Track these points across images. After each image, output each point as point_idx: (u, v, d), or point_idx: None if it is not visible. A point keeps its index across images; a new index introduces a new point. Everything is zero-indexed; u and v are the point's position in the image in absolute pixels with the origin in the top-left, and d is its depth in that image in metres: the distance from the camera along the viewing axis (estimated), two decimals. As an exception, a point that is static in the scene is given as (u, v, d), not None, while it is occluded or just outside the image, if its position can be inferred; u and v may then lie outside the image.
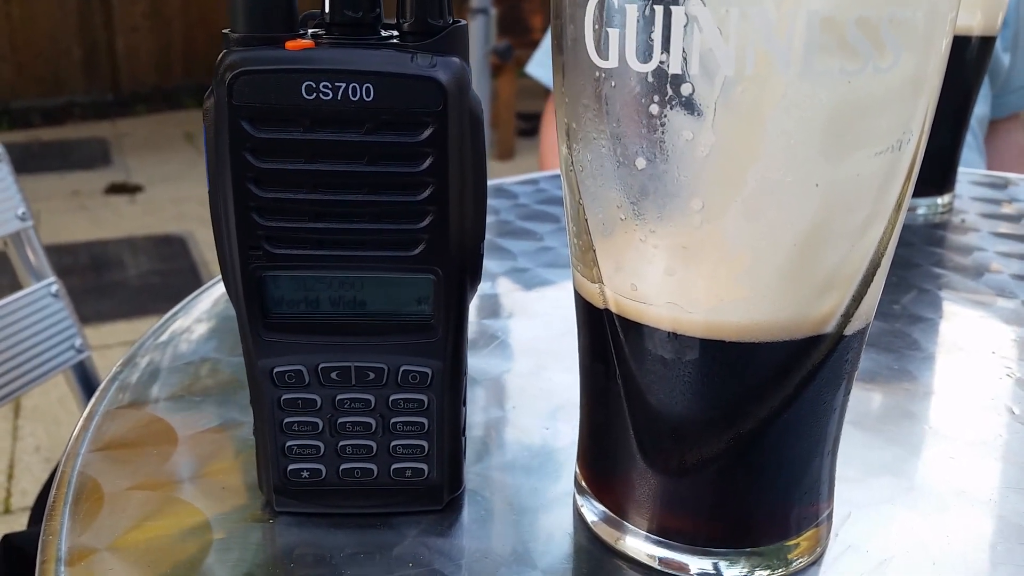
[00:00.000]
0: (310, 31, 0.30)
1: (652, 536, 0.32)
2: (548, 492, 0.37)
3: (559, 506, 0.36)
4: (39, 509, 0.82)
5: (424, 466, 0.34)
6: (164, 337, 0.51)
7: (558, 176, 0.38)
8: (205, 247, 2.95)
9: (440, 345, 0.32)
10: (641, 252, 0.28)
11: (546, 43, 1.44)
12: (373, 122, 0.29)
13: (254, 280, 0.31)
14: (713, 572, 0.32)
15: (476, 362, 0.47)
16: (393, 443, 0.34)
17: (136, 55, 5.02)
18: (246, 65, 0.28)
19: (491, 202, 0.74)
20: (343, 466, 0.34)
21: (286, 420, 0.33)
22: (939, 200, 0.76)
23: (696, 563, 0.32)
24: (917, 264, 0.63)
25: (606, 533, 0.34)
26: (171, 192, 3.56)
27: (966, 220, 0.74)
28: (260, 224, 0.30)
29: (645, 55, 0.25)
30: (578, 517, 0.35)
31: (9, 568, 0.68)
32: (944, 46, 0.26)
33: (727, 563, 0.32)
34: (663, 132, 0.26)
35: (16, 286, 0.83)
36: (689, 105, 0.25)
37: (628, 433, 0.32)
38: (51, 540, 0.33)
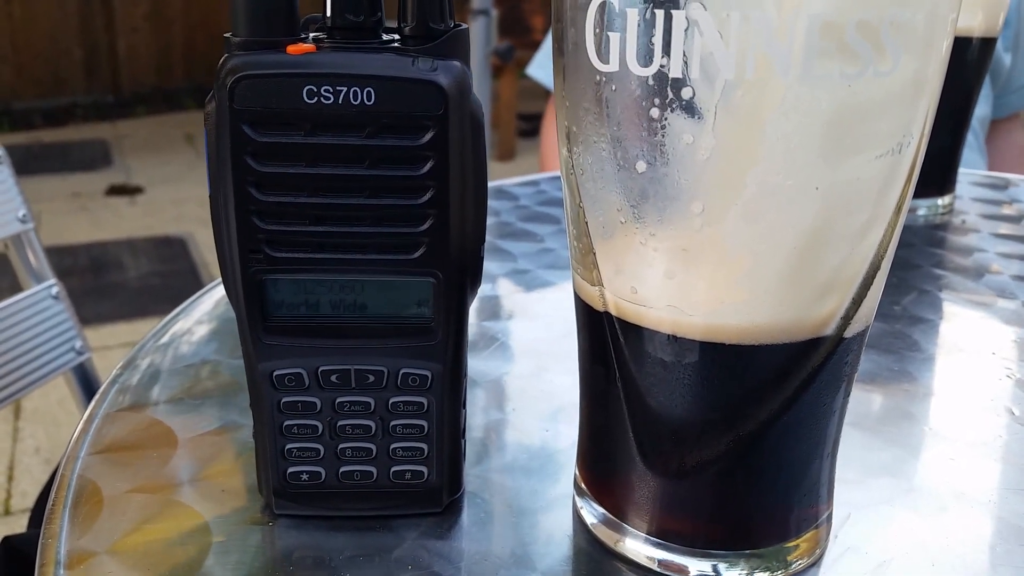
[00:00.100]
0: (311, 35, 0.30)
1: (652, 538, 0.32)
2: (548, 494, 0.37)
3: (559, 508, 0.36)
4: (39, 511, 0.82)
5: (424, 469, 0.34)
6: (164, 339, 0.51)
7: (558, 178, 0.38)
8: (205, 248, 2.96)
9: (440, 348, 0.33)
10: (641, 255, 0.28)
11: (547, 45, 1.44)
12: (374, 126, 0.29)
13: (254, 283, 0.31)
14: (712, 574, 0.32)
15: (476, 364, 0.48)
16: (393, 446, 0.34)
17: (137, 56, 5.02)
18: (247, 69, 0.28)
19: (492, 203, 0.74)
20: (343, 469, 0.34)
21: (286, 423, 0.33)
22: (939, 201, 0.76)
23: (696, 565, 0.32)
24: (917, 265, 0.63)
25: (605, 535, 0.34)
26: (171, 193, 3.56)
27: (966, 221, 0.74)
28: (261, 228, 0.30)
29: (646, 59, 0.25)
30: (578, 519, 0.35)
31: (9, 570, 0.68)
32: (945, 48, 0.26)
33: (727, 565, 0.32)
34: (663, 135, 0.26)
35: (16, 288, 0.83)
36: (689, 109, 0.25)
37: (628, 435, 0.32)
38: (50, 543, 0.33)
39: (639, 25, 0.25)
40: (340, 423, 0.33)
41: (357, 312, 0.32)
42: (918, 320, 0.54)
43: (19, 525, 1.63)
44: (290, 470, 0.34)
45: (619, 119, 0.27)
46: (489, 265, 0.62)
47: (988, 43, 0.72)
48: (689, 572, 0.32)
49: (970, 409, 0.44)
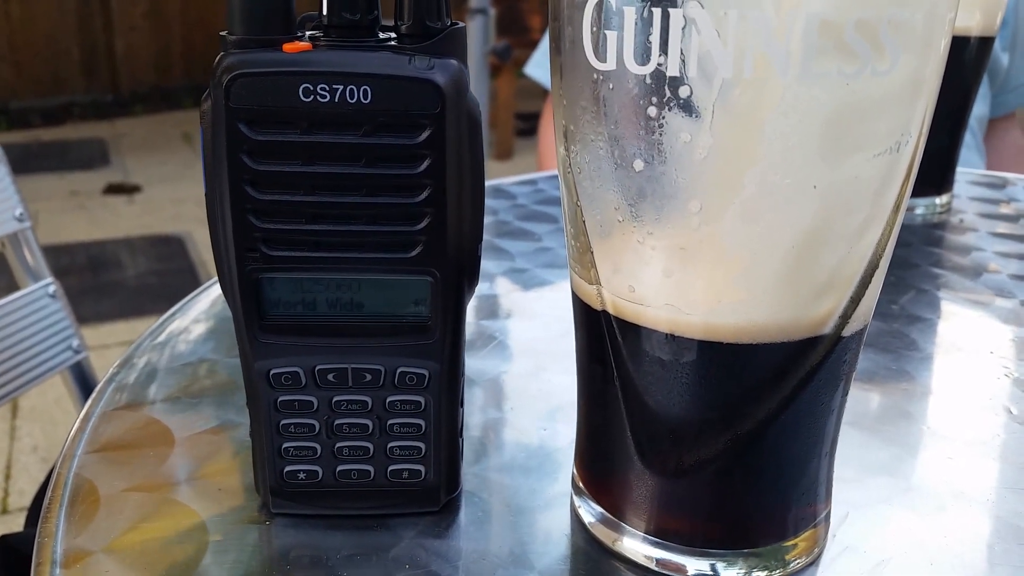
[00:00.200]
0: (308, 33, 0.30)
1: (649, 537, 0.32)
2: (545, 493, 0.37)
3: (556, 507, 0.36)
4: (36, 510, 0.82)
5: (421, 467, 0.34)
6: (161, 338, 0.51)
7: (556, 176, 0.38)
8: (203, 247, 2.95)
9: (437, 347, 0.32)
10: (639, 254, 0.28)
11: (545, 44, 1.44)
12: (371, 124, 0.29)
13: (251, 282, 0.31)
14: (711, 573, 0.32)
15: (474, 363, 0.47)
16: (390, 445, 0.34)
17: (135, 55, 5.02)
18: (243, 67, 0.28)
19: (489, 202, 0.74)
20: (340, 468, 0.34)
21: (283, 422, 0.33)
22: (937, 200, 0.76)
23: (693, 564, 0.32)
24: (915, 264, 0.63)
25: (603, 534, 0.34)
26: (169, 192, 3.56)
27: (964, 220, 0.74)
28: (257, 226, 0.30)
29: (643, 57, 0.25)
30: (575, 518, 0.35)
31: (6, 569, 0.68)
32: (943, 47, 0.26)
33: (724, 564, 0.32)
34: (661, 134, 0.26)
35: (14, 287, 0.83)
36: (687, 107, 0.25)
37: (626, 434, 0.32)
38: (47, 542, 0.33)
39: (636, 23, 0.25)
40: (337, 422, 0.33)
41: (354, 311, 0.32)
42: (916, 319, 0.54)
43: (16, 524, 1.63)
44: (287, 469, 0.34)
45: (617, 118, 0.27)
46: (487, 264, 0.61)
47: (986, 42, 0.72)
48: (687, 571, 0.32)
49: (968, 408, 0.44)
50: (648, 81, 0.25)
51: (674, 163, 0.26)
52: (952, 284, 0.61)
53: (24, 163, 3.71)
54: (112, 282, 2.74)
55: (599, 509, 0.34)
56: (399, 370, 0.32)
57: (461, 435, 0.35)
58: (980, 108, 1.22)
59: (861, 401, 0.45)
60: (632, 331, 0.29)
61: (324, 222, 0.30)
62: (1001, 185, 0.84)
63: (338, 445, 0.33)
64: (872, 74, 0.24)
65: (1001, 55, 1.21)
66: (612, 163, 0.28)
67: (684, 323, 0.28)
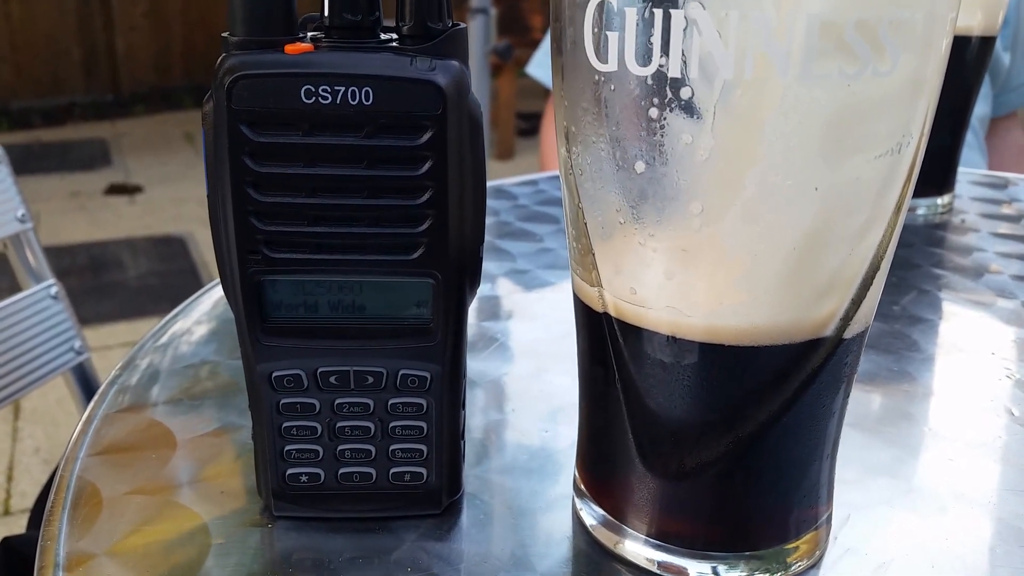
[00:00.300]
0: (309, 35, 0.30)
1: (651, 540, 0.32)
2: (547, 495, 0.37)
3: (558, 509, 0.36)
4: (38, 511, 0.82)
5: (423, 470, 0.34)
6: (164, 339, 0.51)
7: (557, 177, 0.38)
8: (205, 248, 2.95)
9: (439, 349, 0.32)
10: (640, 256, 0.28)
11: (546, 44, 1.44)
12: (372, 126, 0.29)
13: (253, 284, 0.31)
14: (713, 576, 0.32)
15: (475, 364, 0.47)
16: (392, 447, 0.34)
17: (136, 55, 5.02)
18: (245, 69, 0.28)
19: (490, 203, 0.74)
20: (342, 470, 0.34)
21: (285, 424, 0.33)
22: (939, 200, 0.76)
23: (695, 567, 0.32)
24: (917, 265, 0.63)
25: (605, 537, 0.34)
26: (170, 193, 3.56)
27: (966, 220, 0.74)
28: (259, 228, 0.30)
29: (644, 58, 0.25)
30: (577, 521, 0.35)
31: (9, 571, 0.68)
32: (944, 48, 0.26)
33: (726, 567, 0.31)
34: (662, 135, 0.26)
35: (15, 288, 0.83)
36: (688, 109, 0.25)
37: (627, 437, 0.32)
38: (49, 545, 0.33)
39: (638, 24, 0.25)
40: (339, 424, 0.33)
41: (356, 313, 0.32)
42: (917, 320, 0.54)
43: (18, 525, 1.63)
44: (289, 472, 0.34)
45: (618, 119, 0.27)
46: (488, 265, 0.61)
47: (987, 42, 0.72)
48: (688, 574, 0.32)
49: (969, 409, 0.44)
50: (649, 82, 0.25)
51: (675, 164, 0.26)
52: (953, 285, 0.60)
53: (25, 164, 3.71)
54: (114, 283, 2.74)
55: (601, 511, 0.34)
56: (401, 372, 0.32)
57: (463, 437, 0.35)
58: (982, 108, 1.22)
59: (862, 402, 0.45)
60: (633, 333, 0.29)
61: (326, 224, 0.30)
62: (1003, 185, 0.84)
63: (340, 448, 0.33)
64: (873, 75, 0.24)
65: (1002, 55, 1.20)
66: (613, 164, 0.28)
67: (685, 325, 0.28)
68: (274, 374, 0.32)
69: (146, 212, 3.38)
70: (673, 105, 0.25)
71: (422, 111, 0.29)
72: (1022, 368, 0.48)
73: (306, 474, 0.34)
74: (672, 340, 0.29)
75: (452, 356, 0.33)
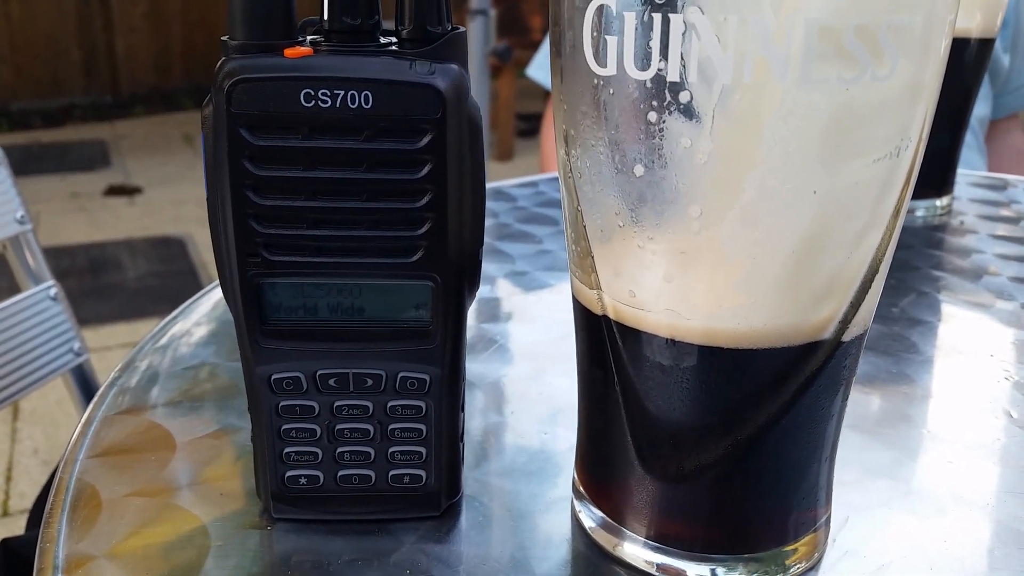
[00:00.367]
0: (309, 38, 0.30)
1: (650, 542, 0.32)
2: (546, 497, 0.37)
3: (557, 512, 0.36)
4: (37, 512, 0.82)
5: (422, 472, 0.34)
6: (163, 341, 0.51)
7: (557, 179, 0.38)
8: (204, 249, 2.95)
9: (438, 352, 0.32)
10: (639, 258, 0.28)
11: (546, 46, 1.44)
12: (371, 129, 0.29)
13: (252, 287, 0.31)
14: (712, 578, 0.32)
15: (474, 366, 0.47)
16: (391, 449, 0.34)
17: (135, 56, 5.02)
18: (245, 73, 0.28)
19: (490, 205, 0.74)
20: (341, 472, 0.34)
21: (284, 427, 0.33)
22: (938, 202, 0.76)
23: (694, 569, 0.32)
24: (916, 267, 0.63)
25: (604, 539, 0.34)
26: (170, 194, 3.56)
27: (965, 222, 0.74)
28: (258, 231, 0.30)
29: (643, 62, 0.25)
30: (576, 523, 0.35)
31: (8, 572, 0.68)
32: (943, 51, 0.26)
33: (725, 569, 0.32)
34: (661, 139, 0.26)
35: (15, 289, 0.83)
36: (687, 112, 0.25)
37: (626, 439, 0.32)
38: (49, 547, 0.33)
39: (637, 28, 0.25)
40: (338, 427, 0.33)
41: (355, 316, 0.32)
42: (916, 322, 0.54)
43: (17, 526, 1.63)
44: (288, 474, 0.34)
45: (617, 122, 0.27)
46: (487, 267, 0.61)
47: (986, 44, 0.72)
48: (687, 576, 0.32)
49: (968, 411, 0.44)
50: (648, 86, 0.25)
51: (674, 168, 0.26)
52: (952, 287, 0.61)
53: (24, 165, 3.71)
54: (113, 284, 2.74)
55: (600, 514, 0.34)
56: (400, 375, 0.33)
57: (462, 439, 0.35)
58: (982, 108, 1.22)
59: (861, 404, 0.45)
60: (632, 336, 0.29)
61: (325, 227, 0.30)
62: (1002, 187, 0.84)
63: (339, 450, 0.33)
64: (872, 79, 0.25)
65: (1002, 56, 1.21)
66: (612, 168, 0.28)
67: (684, 328, 0.28)
68: (273, 376, 0.32)
69: (145, 213, 3.38)
70: (672, 109, 0.25)
71: (421, 115, 0.29)
72: (1021, 370, 0.48)
73: (305, 476, 0.34)
74: (671, 343, 0.29)
75: (451, 358, 0.33)
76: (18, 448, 1.91)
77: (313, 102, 0.28)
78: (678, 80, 0.25)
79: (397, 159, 0.29)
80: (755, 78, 0.24)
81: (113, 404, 0.43)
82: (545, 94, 1.33)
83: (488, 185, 0.31)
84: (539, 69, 1.42)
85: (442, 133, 0.29)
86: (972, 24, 0.70)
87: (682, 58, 0.25)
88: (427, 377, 0.33)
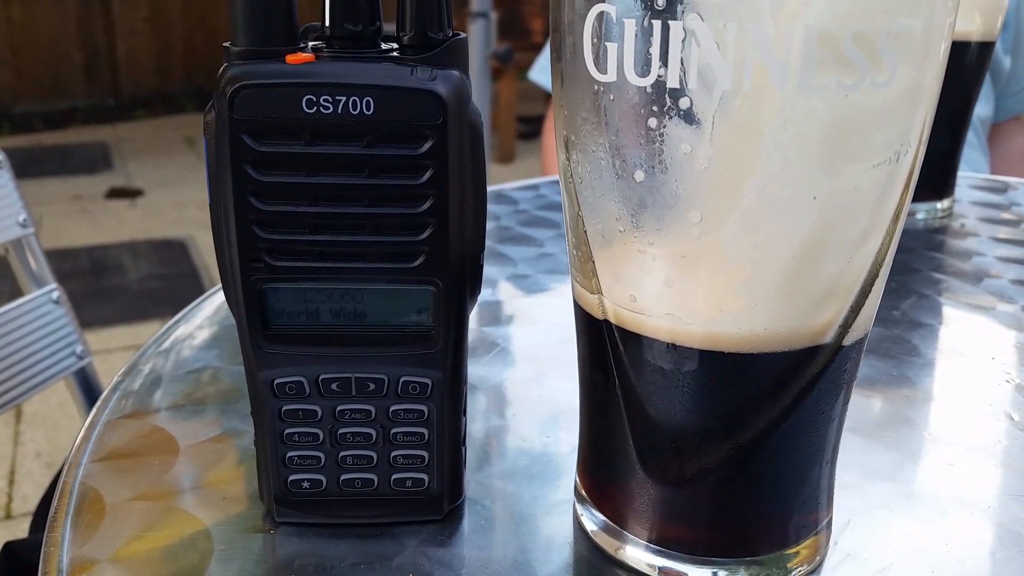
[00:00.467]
0: (310, 44, 0.30)
1: (652, 545, 0.32)
2: (548, 501, 0.37)
3: (559, 515, 0.36)
4: (40, 515, 0.82)
5: (424, 476, 0.34)
6: (166, 345, 0.51)
7: (558, 182, 0.38)
8: (206, 251, 2.96)
9: (440, 356, 0.33)
10: (640, 263, 0.28)
11: (547, 49, 1.45)
12: (373, 135, 0.29)
13: (255, 292, 0.31)
14: (713, 581, 0.32)
15: (476, 369, 0.48)
16: (393, 453, 0.34)
17: (136, 59, 5.03)
18: (247, 79, 0.28)
19: (491, 208, 0.74)
20: (343, 476, 0.34)
21: (287, 431, 0.33)
22: (939, 205, 0.76)
23: (696, 572, 0.32)
24: (916, 269, 0.64)
25: (606, 542, 0.34)
26: (171, 196, 3.56)
27: (966, 225, 0.74)
28: (261, 236, 0.30)
29: (643, 69, 0.25)
30: (578, 526, 0.35)
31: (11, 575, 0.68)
32: (942, 55, 0.26)
33: (726, 572, 0.32)
34: (661, 145, 0.26)
35: (17, 292, 0.83)
36: (687, 118, 0.25)
37: (627, 443, 0.32)
38: (52, 551, 0.33)
39: (637, 35, 0.25)
40: (341, 431, 0.33)
41: (357, 320, 0.32)
42: (917, 325, 0.54)
43: (20, 529, 1.64)
44: (291, 478, 0.34)
45: (617, 128, 0.27)
46: (489, 270, 0.62)
47: (986, 47, 0.72)
48: (689, 579, 0.32)
49: (969, 414, 0.44)
50: (648, 92, 0.26)
51: (674, 173, 0.26)
52: (953, 289, 0.61)
53: (26, 168, 3.72)
54: (115, 286, 2.74)
55: (601, 517, 0.34)
56: (402, 379, 0.33)
57: (464, 443, 0.35)
58: (983, 109, 1.22)
59: (862, 407, 0.45)
60: (633, 340, 0.30)
61: (327, 232, 0.30)
62: (1003, 190, 0.84)
63: (342, 454, 0.34)
64: (871, 85, 0.25)
65: (1003, 58, 1.21)
66: (613, 173, 0.28)
67: (685, 332, 0.28)
68: (276, 381, 0.33)
69: (147, 216, 3.38)
70: (672, 115, 0.25)
71: (423, 120, 0.29)
72: (1022, 373, 0.48)
73: (308, 480, 0.34)
74: (672, 347, 0.29)
75: (453, 362, 0.33)
76: (21, 451, 1.91)
77: (315, 108, 0.29)
78: (678, 86, 0.25)
79: (398, 165, 0.30)
80: (755, 84, 0.24)
81: (116, 408, 0.44)
82: (546, 97, 1.33)
83: (489, 188, 0.31)
84: (540, 72, 1.42)
85: (443, 139, 0.29)
86: (972, 27, 0.70)
87: (682, 64, 0.25)
88: (429, 381, 0.33)
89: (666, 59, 0.25)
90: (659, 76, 0.25)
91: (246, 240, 0.30)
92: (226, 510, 0.36)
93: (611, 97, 0.27)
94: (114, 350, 2.27)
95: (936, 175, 0.75)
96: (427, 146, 0.29)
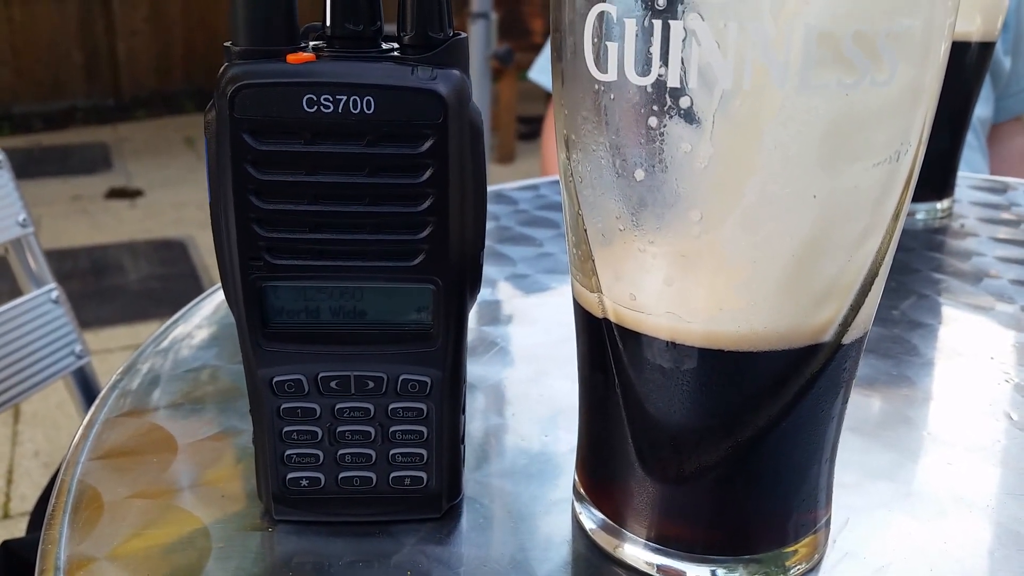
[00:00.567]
0: (311, 44, 0.30)
1: (650, 544, 0.32)
2: (547, 499, 0.37)
3: (558, 513, 0.36)
4: (38, 515, 0.82)
5: (423, 474, 0.34)
6: (165, 344, 0.51)
7: (558, 182, 0.38)
8: (205, 251, 2.96)
9: (439, 354, 0.33)
10: (640, 262, 0.28)
11: (548, 49, 1.45)
12: (374, 134, 0.29)
13: (254, 290, 0.31)
14: (712, 580, 0.32)
15: (476, 368, 0.48)
16: (392, 452, 0.34)
17: (137, 59, 5.03)
18: (248, 78, 0.28)
19: (491, 208, 0.74)
20: (342, 475, 0.34)
21: (285, 429, 0.33)
22: (938, 205, 0.76)
23: (694, 570, 0.32)
24: (916, 269, 0.64)
25: (605, 541, 0.34)
26: (171, 196, 3.56)
27: (965, 225, 0.74)
28: (261, 235, 0.30)
29: (644, 68, 0.25)
30: (577, 524, 0.35)
31: (9, 574, 0.68)
32: (942, 56, 0.26)
33: (725, 570, 0.32)
34: (662, 144, 0.26)
35: (16, 292, 0.83)
36: (688, 117, 0.25)
37: (627, 441, 0.32)
38: (50, 549, 0.33)
39: (637, 35, 0.25)
40: (340, 429, 0.33)
41: (357, 319, 0.32)
42: (917, 324, 0.54)
43: (18, 529, 1.63)
44: (290, 476, 0.34)
45: (617, 127, 0.27)
46: (488, 269, 0.62)
47: (987, 47, 0.72)
48: (688, 578, 0.32)
49: (968, 414, 0.44)
50: (649, 91, 0.26)
51: (675, 172, 0.26)
52: (953, 289, 0.61)
53: (26, 168, 3.72)
54: (114, 286, 2.74)
55: (600, 515, 0.34)
56: (401, 378, 0.33)
57: (463, 441, 0.35)
58: (983, 110, 1.22)
59: (861, 406, 0.45)
60: (633, 339, 0.30)
61: (327, 231, 0.30)
62: (1002, 190, 0.84)
63: (340, 452, 0.34)
64: (871, 85, 0.25)
65: (1003, 58, 1.21)
66: (613, 172, 0.28)
67: (685, 331, 0.28)
68: (275, 379, 0.33)
69: (147, 216, 3.38)
70: (672, 114, 0.25)
71: (423, 120, 0.29)
72: (1021, 372, 0.48)
73: (306, 478, 0.34)
74: (672, 346, 0.29)
75: (452, 361, 0.33)
76: (19, 451, 1.91)
77: (315, 107, 0.29)
78: (678, 85, 0.25)
79: (399, 164, 0.30)
80: (755, 83, 0.24)
81: (115, 406, 0.44)
82: (546, 97, 1.33)
83: (489, 188, 0.31)
84: (541, 72, 1.42)
85: (444, 138, 0.29)
86: (972, 27, 0.70)
87: (682, 64, 0.25)
88: (428, 379, 0.33)
89: (666, 58, 0.25)
90: (659, 75, 0.25)
91: (246, 238, 0.30)
92: (224, 508, 0.36)
93: (611, 96, 0.27)
94: (113, 350, 2.27)
95: (936, 175, 0.75)
96: (427, 145, 0.29)
